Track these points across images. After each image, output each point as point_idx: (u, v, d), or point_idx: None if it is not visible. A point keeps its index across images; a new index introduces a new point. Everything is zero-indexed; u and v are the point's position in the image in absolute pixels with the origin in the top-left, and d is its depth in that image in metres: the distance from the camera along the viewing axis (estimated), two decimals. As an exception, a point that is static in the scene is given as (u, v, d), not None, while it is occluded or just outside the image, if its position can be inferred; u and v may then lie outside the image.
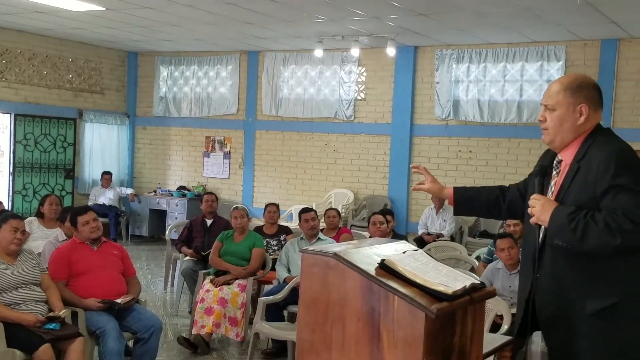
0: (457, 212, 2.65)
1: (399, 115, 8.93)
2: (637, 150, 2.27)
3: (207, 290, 5.02)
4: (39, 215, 5.55)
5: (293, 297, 4.61)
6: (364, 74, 9.22)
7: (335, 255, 2.09)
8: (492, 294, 2.32)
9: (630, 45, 7.68)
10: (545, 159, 2.40)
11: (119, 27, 8.54)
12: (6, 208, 7.08)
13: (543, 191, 2.29)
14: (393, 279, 2.03)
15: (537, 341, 3.36)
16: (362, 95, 9.25)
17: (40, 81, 9.59)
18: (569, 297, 2.19)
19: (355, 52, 8.51)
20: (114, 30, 8.83)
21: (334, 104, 9.37)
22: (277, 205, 6.33)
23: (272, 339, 4.87)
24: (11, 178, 9.36)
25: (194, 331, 4.91)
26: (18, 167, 9.39)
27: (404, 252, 2.27)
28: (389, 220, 5.78)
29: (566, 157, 2.27)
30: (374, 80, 9.15)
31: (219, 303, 4.91)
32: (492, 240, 5.36)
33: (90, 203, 9.43)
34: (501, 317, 3.79)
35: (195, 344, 4.90)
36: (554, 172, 2.32)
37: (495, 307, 3.80)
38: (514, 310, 3.85)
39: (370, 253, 2.19)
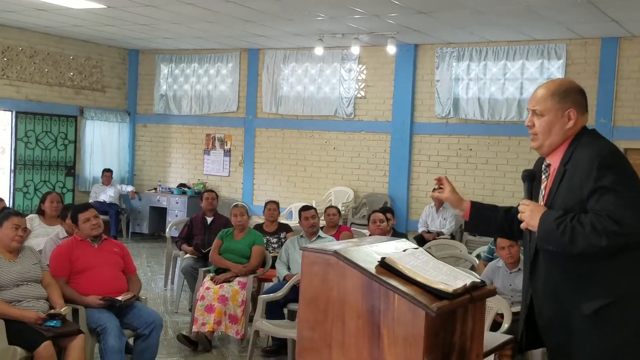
0: (468, 228, 2.59)
1: (399, 113, 8.92)
2: (636, 149, 2.29)
3: (207, 288, 5.03)
4: (40, 212, 5.56)
5: (293, 295, 4.61)
6: (364, 71, 9.21)
7: (336, 253, 2.09)
8: (493, 292, 2.33)
9: (630, 43, 7.68)
10: (537, 164, 2.43)
11: (120, 24, 8.54)
12: (7, 205, 7.08)
13: (532, 196, 2.31)
14: (393, 277, 2.03)
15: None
16: (363, 93, 9.24)
17: (41, 79, 9.59)
18: (564, 299, 2.21)
19: (355, 50, 8.51)
20: (115, 28, 8.83)
21: (334, 101, 9.37)
22: (277, 203, 6.33)
23: (272, 337, 4.88)
24: (12, 175, 9.37)
25: (194, 329, 4.92)
26: (19, 165, 9.40)
27: (404, 251, 2.27)
28: (389, 219, 5.78)
29: (554, 161, 2.30)
30: (374, 78, 9.15)
31: (219, 301, 4.92)
32: (492, 239, 5.36)
33: (90, 200, 9.43)
34: (502, 315, 3.79)
35: (194, 342, 4.91)
36: (543, 177, 2.35)
37: (495, 305, 3.80)
38: (514, 309, 3.85)
39: (371, 251, 2.19)
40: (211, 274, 5.26)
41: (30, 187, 9.56)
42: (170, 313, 6.00)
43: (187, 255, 6.10)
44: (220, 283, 5.06)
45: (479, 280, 2.22)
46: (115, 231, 9.50)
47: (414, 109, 8.89)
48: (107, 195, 9.80)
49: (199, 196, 7.76)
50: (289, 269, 5.16)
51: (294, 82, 9.67)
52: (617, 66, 7.69)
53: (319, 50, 8.53)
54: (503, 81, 8.29)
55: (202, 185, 10.14)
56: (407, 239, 3.40)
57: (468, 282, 2.10)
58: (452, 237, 7.66)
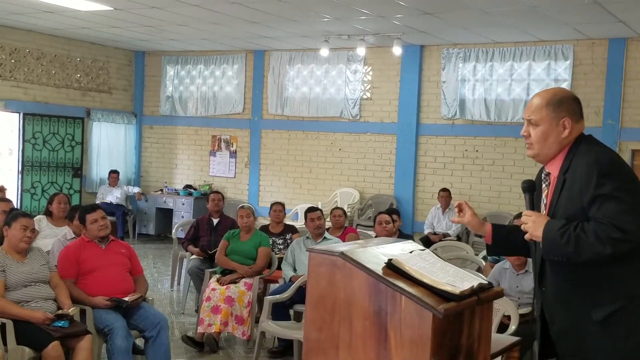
0: (491, 252, 2.56)
1: (405, 114, 8.91)
2: (637, 151, 2.30)
3: (214, 289, 5.04)
4: (48, 213, 5.58)
5: (299, 296, 4.62)
6: (370, 73, 9.21)
7: (343, 255, 2.10)
8: (500, 294, 2.32)
9: (638, 44, 7.64)
10: (540, 171, 2.43)
11: (126, 26, 8.57)
12: (15, 206, 7.11)
13: (533, 206, 2.32)
14: (400, 278, 2.03)
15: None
16: (368, 94, 9.24)
17: (48, 80, 9.64)
18: (574, 307, 2.21)
19: (361, 51, 8.51)
20: (121, 30, 8.87)
21: (340, 103, 9.37)
22: (282, 204, 6.34)
23: (278, 338, 4.88)
24: (20, 177, 9.42)
25: (200, 329, 4.93)
26: (27, 166, 9.45)
27: (410, 252, 2.27)
28: (395, 220, 5.76)
29: (553, 170, 2.31)
30: (380, 80, 9.15)
31: (225, 302, 4.93)
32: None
33: (97, 201, 9.47)
34: (509, 317, 3.78)
35: (199, 343, 4.92)
36: (544, 185, 2.36)
37: (502, 307, 3.79)
38: (521, 311, 3.85)
39: (377, 252, 2.20)
40: (217, 275, 5.27)
41: (38, 188, 9.61)
42: (176, 314, 6.02)
43: (194, 256, 6.12)
44: (226, 284, 5.06)
45: (486, 282, 2.22)
46: (122, 232, 9.54)
47: (419, 110, 8.88)
48: (113, 196, 9.84)
49: (205, 197, 7.77)
50: (294, 270, 5.16)
51: (300, 84, 9.68)
52: (624, 67, 7.66)
53: (324, 52, 8.53)
54: (510, 82, 8.27)
55: (208, 187, 10.17)
56: (413, 240, 3.40)
57: (475, 283, 2.09)
58: (459, 238, 7.65)
